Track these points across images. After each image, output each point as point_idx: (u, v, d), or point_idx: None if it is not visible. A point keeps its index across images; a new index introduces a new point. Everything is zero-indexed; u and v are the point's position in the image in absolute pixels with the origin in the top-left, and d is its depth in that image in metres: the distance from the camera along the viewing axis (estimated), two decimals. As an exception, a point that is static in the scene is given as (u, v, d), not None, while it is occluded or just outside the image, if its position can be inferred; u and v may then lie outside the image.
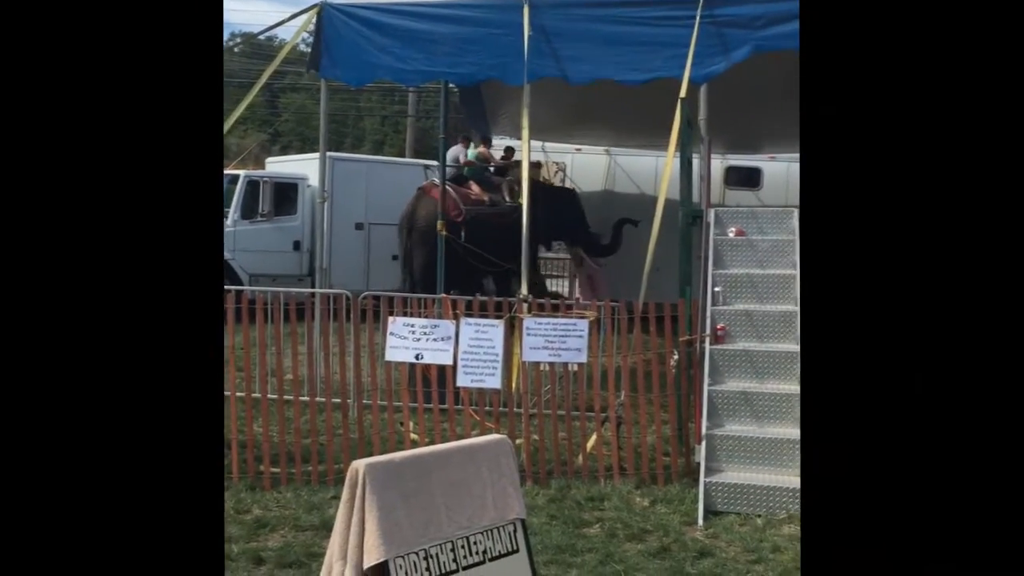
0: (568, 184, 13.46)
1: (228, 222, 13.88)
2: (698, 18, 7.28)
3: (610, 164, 14.38)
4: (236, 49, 37.29)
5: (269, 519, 5.09)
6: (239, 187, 14.31)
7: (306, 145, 25.15)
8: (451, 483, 3.05)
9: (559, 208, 11.33)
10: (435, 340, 6.00)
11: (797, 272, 6.03)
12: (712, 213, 6.75)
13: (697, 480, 5.51)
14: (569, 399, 6.30)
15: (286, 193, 14.68)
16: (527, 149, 7.78)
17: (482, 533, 3.07)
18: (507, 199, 10.95)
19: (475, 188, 11.05)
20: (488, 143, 11.70)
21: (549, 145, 13.60)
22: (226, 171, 14.63)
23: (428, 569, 2.88)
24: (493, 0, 7.91)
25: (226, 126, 8.91)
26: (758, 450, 5.61)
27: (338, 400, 6.18)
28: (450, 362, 5.99)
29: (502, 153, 12.25)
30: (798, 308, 5.82)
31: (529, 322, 6.06)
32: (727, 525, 5.13)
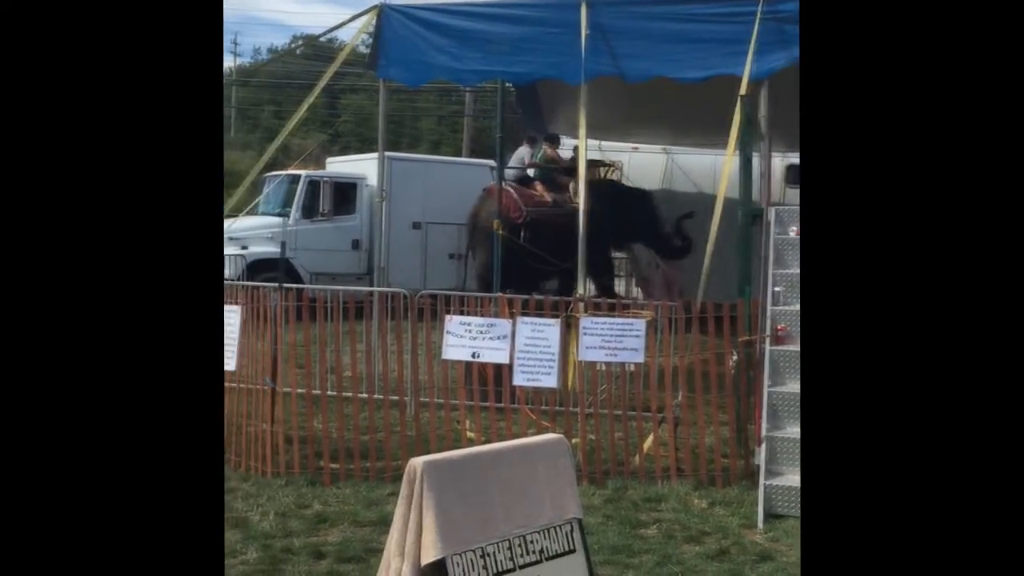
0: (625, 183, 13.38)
1: (290, 221, 14.12)
2: (759, 14, 7.17)
3: (668, 163, 14.25)
4: (298, 52, 37.98)
5: (329, 514, 5.16)
6: (300, 187, 14.56)
7: (365, 145, 25.46)
8: (508, 482, 3.06)
9: (632, 209, 11.26)
10: (491, 339, 6.02)
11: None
12: (773, 212, 6.64)
13: (757, 483, 5.44)
14: (626, 399, 6.26)
15: (345, 193, 14.88)
16: (583, 148, 7.76)
17: (539, 532, 3.08)
18: (572, 200, 10.92)
19: (539, 189, 11.06)
20: (556, 142, 11.66)
21: (606, 144, 13.53)
22: (287, 171, 14.91)
23: (485, 567, 2.90)
24: (550, -1, 7.91)
25: (288, 128, 9.08)
26: (819, 453, 5.51)
27: (396, 398, 6.24)
28: (506, 361, 6.01)
29: (572, 153, 12.24)
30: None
31: (586, 321, 6.05)
32: (788, 529, 5.05)
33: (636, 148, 13.92)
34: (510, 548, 2.98)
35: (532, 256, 10.27)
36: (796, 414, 5.74)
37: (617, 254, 12.44)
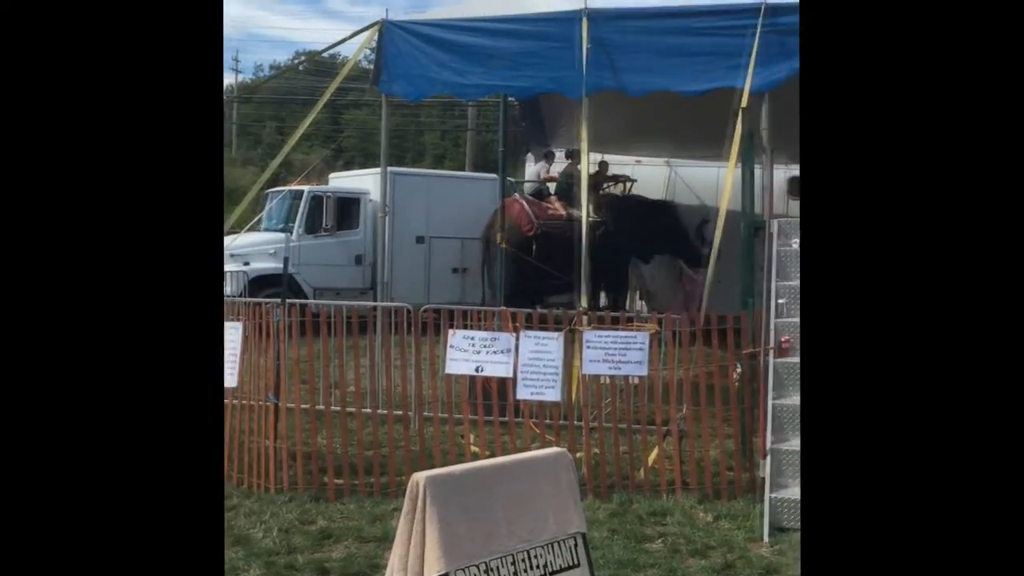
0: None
1: (293, 237, 14.15)
2: (759, 27, 7.19)
3: (670, 175, 14.26)
4: (300, 68, 38.15)
5: (333, 530, 5.14)
6: (303, 202, 14.58)
7: (368, 160, 25.54)
8: (512, 496, 3.05)
9: (657, 221, 11.29)
10: (495, 353, 6.01)
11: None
12: (775, 224, 6.64)
13: (762, 496, 5.41)
14: (630, 412, 6.24)
15: (348, 208, 14.91)
16: (586, 162, 7.78)
17: (543, 547, 3.07)
18: (590, 215, 10.94)
19: (555, 203, 11.10)
20: (577, 158, 11.74)
21: (608, 157, 13.57)
22: (291, 187, 14.95)
23: (489, 582, 2.88)
24: (551, 14, 7.93)
25: (290, 143, 9.12)
26: (825, 465, 5.49)
27: (400, 413, 6.23)
28: (510, 375, 6.00)
29: (595, 168, 12.32)
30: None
31: (589, 335, 6.04)
32: (793, 542, 5.02)
33: (639, 161, 13.95)
34: (513, 563, 2.96)
35: (539, 270, 10.29)
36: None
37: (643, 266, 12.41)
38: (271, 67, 46.30)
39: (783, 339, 6.04)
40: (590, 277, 7.68)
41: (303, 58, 38.00)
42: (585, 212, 7.43)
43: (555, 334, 6.07)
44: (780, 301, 6.23)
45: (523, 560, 2.99)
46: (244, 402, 6.21)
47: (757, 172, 6.96)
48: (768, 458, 5.56)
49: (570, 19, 7.66)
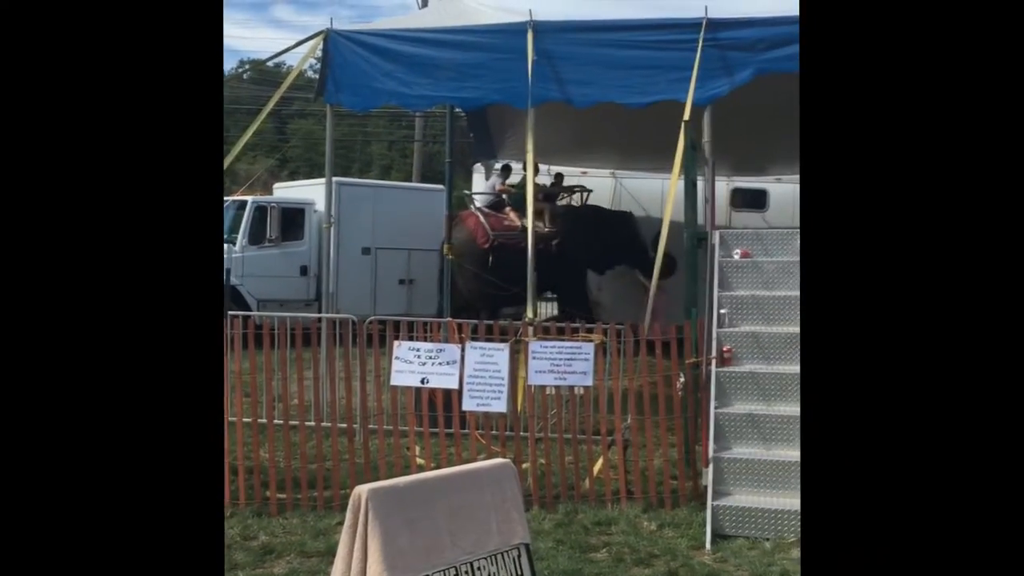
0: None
1: (236, 248, 13.94)
2: (701, 42, 7.32)
3: (616, 187, 14.40)
4: (244, 76, 37.65)
5: (275, 545, 5.07)
6: (247, 213, 14.39)
7: (314, 171, 25.29)
8: (455, 508, 3.04)
9: (616, 232, 11.31)
10: (441, 364, 5.99)
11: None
12: (717, 235, 6.75)
13: (705, 504, 5.47)
14: (576, 423, 6.27)
15: (293, 218, 14.76)
16: (531, 173, 7.80)
17: (486, 558, 3.06)
18: (546, 226, 10.95)
19: (511, 215, 11.11)
20: (535, 170, 11.77)
21: (555, 168, 13.66)
22: (234, 197, 14.74)
23: (432, 595, 2.87)
24: (497, 26, 7.97)
25: (234, 152, 8.99)
26: (766, 473, 5.58)
27: (344, 425, 6.17)
28: (456, 386, 5.98)
29: (552, 180, 12.38)
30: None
31: (535, 345, 6.06)
32: (736, 549, 5.09)
33: (585, 172, 14.06)
34: (457, 575, 2.95)
35: (488, 283, 10.28)
36: (742, 434, 5.81)
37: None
38: (215, 75, 45.64)
39: (725, 348, 6.14)
40: (536, 288, 7.69)
41: (247, 67, 37.56)
42: (531, 222, 7.45)
43: (501, 345, 6.07)
44: (722, 311, 6.33)
45: (467, 572, 2.99)
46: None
47: (700, 184, 7.07)
48: (710, 466, 5.64)
49: (516, 31, 7.71)
